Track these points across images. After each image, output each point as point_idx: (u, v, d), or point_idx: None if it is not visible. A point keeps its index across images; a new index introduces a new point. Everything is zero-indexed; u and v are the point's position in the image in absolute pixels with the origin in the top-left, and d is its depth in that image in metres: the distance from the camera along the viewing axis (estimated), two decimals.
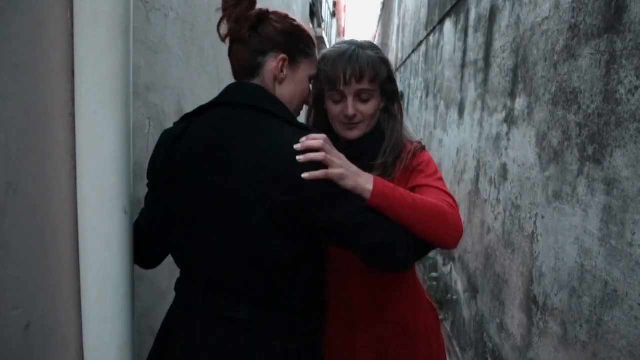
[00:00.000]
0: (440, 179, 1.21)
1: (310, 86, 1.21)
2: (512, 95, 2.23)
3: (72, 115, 1.04)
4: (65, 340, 1.07)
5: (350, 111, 1.22)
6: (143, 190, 1.44)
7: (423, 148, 1.29)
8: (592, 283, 1.43)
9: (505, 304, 2.19)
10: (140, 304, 1.47)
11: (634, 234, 1.24)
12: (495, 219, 2.40)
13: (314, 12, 8.10)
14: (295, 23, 1.13)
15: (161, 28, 1.51)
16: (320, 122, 1.33)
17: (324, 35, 9.45)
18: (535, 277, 1.85)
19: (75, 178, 1.05)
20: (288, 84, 1.11)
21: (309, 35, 1.16)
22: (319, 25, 9.02)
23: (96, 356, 1.11)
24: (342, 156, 1.04)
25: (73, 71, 1.03)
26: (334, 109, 1.26)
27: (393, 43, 11.34)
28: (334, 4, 16.61)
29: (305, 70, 1.14)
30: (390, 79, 1.29)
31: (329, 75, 1.22)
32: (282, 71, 1.09)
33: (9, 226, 0.88)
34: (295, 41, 1.11)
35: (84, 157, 1.04)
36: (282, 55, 1.09)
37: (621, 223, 1.29)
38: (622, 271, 1.28)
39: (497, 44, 2.52)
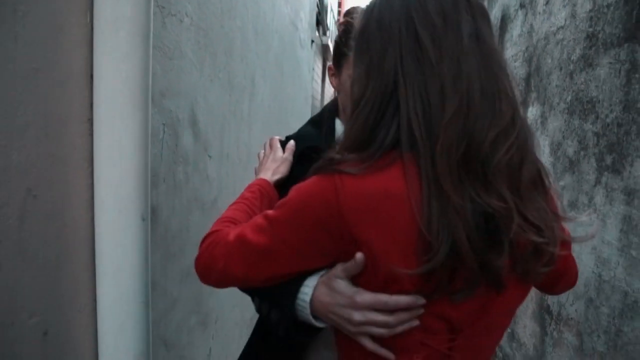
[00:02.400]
0: None
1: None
2: (525, 104, 2.22)
3: (90, 121, 1.03)
4: (81, 349, 1.05)
5: None
6: (157, 196, 1.43)
7: None
8: (611, 294, 1.41)
9: (516, 313, 2.16)
10: (152, 312, 1.46)
11: None
12: None
13: (320, 21, 8.13)
14: (341, 22, 1.05)
15: (176, 34, 1.50)
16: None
17: (329, 43, 9.48)
18: None
19: (92, 185, 1.04)
20: (340, 90, 1.04)
21: (346, 30, 1.01)
22: (324, 34, 9.04)
23: None
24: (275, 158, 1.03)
25: (92, 76, 1.03)
26: None
27: None
28: (339, 13, 16.69)
29: (345, 71, 1.00)
30: None
31: None
32: (331, 83, 1.06)
33: (28, 233, 0.87)
34: (337, 46, 1.03)
35: (101, 163, 1.03)
36: (329, 65, 1.06)
37: None
38: None
39: (509, 52, 2.51)
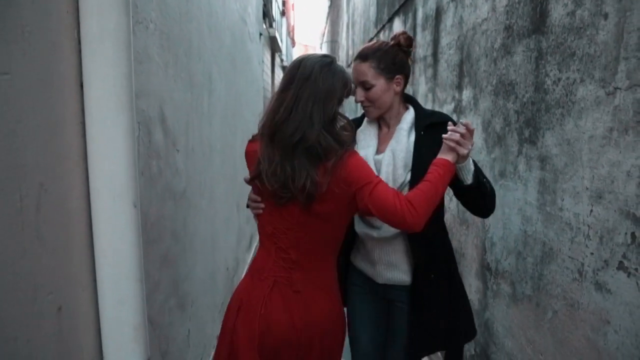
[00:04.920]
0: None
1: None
2: (459, 87, 2.49)
3: (82, 123, 1.18)
4: (87, 321, 1.21)
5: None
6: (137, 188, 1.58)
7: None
8: (534, 245, 1.68)
9: (463, 274, 2.44)
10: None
11: (562, 200, 1.49)
12: (451, 200, 2.65)
13: (265, 13, 8.22)
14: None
15: (144, 39, 1.64)
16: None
17: (276, 35, 9.59)
18: (488, 247, 2.11)
19: (87, 178, 1.19)
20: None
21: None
22: (271, 25, 9.15)
23: (114, 336, 1.25)
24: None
25: (81, 85, 1.17)
26: None
27: (343, 40, 11.61)
28: (283, 3, 16.73)
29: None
30: None
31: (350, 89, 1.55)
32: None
33: (43, 221, 1.02)
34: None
35: (96, 159, 1.18)
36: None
37: (553, 192, 1.55)
38: (555, 232, 1.54)
39: (444, 41, 2.78)
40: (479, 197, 1.50)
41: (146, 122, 1.67)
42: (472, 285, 2.31)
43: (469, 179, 1.45)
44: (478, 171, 1.48)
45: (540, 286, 1.63)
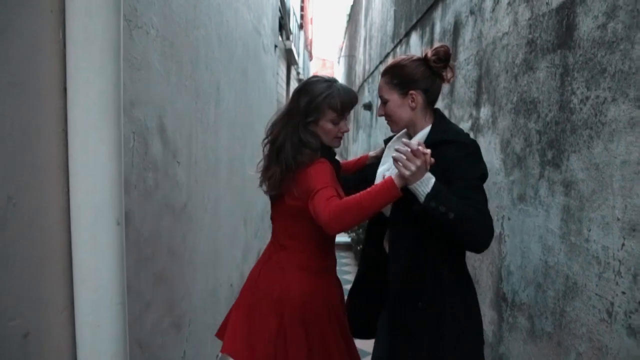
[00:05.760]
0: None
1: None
2: (477, 104, 2.37)
3: (65, 131, 1.09)
4: (60, 349, 1.10)
5: (349, 129, 1.72)
6: (130, 202, 1.48)
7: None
8: (555, 277, 1.54)
9: None
10: (127, 314, 1.51)
11: (589, 230, 1.35)
12: None
13: (282, 25, 8.21)
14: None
15: (143, 45, 1.56)
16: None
17: (292, 47, 9.57)
18: (504, 276, 1.96)
19: (67, 192, 1.09)
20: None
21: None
22: (288, 38, 9.13)
23: None
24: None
25: (65, 89, 1.08)
26: (333, 129, 1.63)
27: (360, 54, 11.56)
28: (302, 17, 16.81)
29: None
30: None
31: (344, 103, 1.60)
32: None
33: (9, 239, 0.92)
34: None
35: (77, 171, 1.09)
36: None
37: (578, 221, 1.41)
38: (580, 265, 1.40)
39: (462, 56, 2.66)
40: (436, 227, 1.35)
41: (142, 132, 1.58)
42: (486, 316, 2.16)
43: (420, 202, 1.34)
44: (442, 198, 1.31)
45: (562, 323, 1.48)
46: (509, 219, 1.94)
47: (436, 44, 1.53)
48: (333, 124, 1.61)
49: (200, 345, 2.48)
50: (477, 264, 2.29)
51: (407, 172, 1.30)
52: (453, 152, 1.40)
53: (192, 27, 2.12)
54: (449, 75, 1.53)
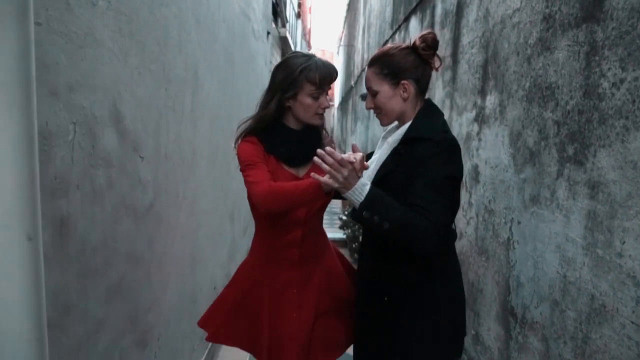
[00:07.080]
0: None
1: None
2: (483, 92, 2.11)
3: None
4: None
5: (329, 105, 1.63)
6: (69, 206, 1.24)
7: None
8: (577, 296, 1.30)
9: (480, 314, 2.06)
10: (69, 340, 1.27)
11: (623, 243, 1.11)
12: (468, 223, 2.27)
13: (277, 12, 7.92)
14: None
15: (87, 19, 1.30)
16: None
17: (288, 35, 9.28)
18: (513, 287, 1.72)
19: None
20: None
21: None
22: (283, 26, 8.83)
23: None
24: None
25: None
26: (313, 104, 1.55)
27: (359, 44, 11.26)
28: (299, 5, 16.44)
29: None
30: None
31: (323, 76, 1.53)
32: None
33: None
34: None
35: None
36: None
37: (608, 230, 1.17)
38: (610, 284, 1.15)
39: (465, 39, 2.40)
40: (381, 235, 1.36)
41: (87, 122, 1.32)
42: (490, 330, 1.92)
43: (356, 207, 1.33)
44: (376, 207, 1.28)
45: (586, 352, 1.24)
46: (518, 222, 1.69)
47: (423, 31, 1.47)
48: (312, 98, 1.54)
49: (175, 357, 2.24)
50: (481, 272, 2.05)
51: (335, 184, 1.29)
52: (422, 150, 1.35)
53: (159, 4, 1.86)
54: (437, 63, 1.49)
